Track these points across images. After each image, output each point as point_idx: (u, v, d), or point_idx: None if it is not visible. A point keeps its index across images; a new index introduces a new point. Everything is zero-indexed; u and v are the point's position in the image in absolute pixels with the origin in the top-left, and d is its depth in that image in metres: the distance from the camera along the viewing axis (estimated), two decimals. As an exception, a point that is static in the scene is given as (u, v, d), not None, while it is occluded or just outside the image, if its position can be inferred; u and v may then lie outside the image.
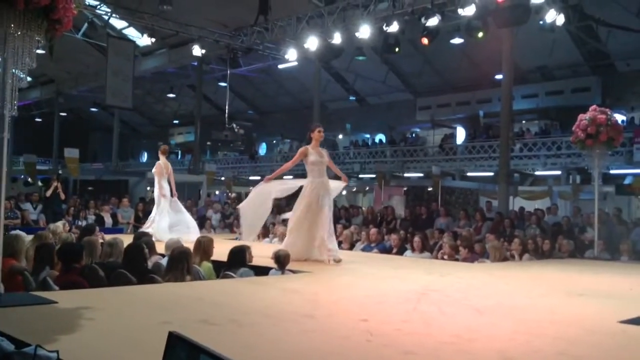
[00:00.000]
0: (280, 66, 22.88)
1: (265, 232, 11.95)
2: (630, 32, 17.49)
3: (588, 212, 12.15)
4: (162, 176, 10.82)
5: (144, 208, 14.39)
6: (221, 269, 6.38)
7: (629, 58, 20.50)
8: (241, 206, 8.67)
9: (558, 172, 20.43)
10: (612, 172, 18.45)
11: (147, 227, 10.47)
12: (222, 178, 24.57)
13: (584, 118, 9.84)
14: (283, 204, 18.76)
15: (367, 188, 26.53)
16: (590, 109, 10.01)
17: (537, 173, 21.61)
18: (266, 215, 8.91)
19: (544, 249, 9.70)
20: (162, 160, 11.00)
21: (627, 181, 18.16)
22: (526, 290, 6.03)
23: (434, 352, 3.34)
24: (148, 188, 24.12)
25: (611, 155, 13.98)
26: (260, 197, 8.36)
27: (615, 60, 21.07)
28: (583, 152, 10.49)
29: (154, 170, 11.00)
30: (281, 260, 6.50)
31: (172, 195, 10.88)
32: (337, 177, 8.48)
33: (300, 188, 8.15)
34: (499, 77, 18.15)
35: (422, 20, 12.89)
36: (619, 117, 17.35)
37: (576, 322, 4.34)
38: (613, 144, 10.04)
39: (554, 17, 12.17)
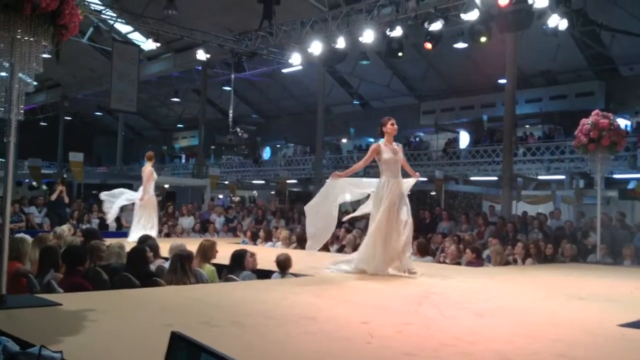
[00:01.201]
0: (285, 70, 22.92)
1: (268, 236, 11.97)
2: (633, 36, 17.48)
3: (591, 216, 12.14)
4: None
5: (149, 212, 14.42)
6: (224, 272, 6.44)
7: (633, 63, 20.47)
8: (306, 208, 7.49)
9: (562, 177, 20.42)
10: (615, 176, 18.43)
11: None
12: (226, 182, 24.64)
13: (586, 122, 9.85)
14: (286, 209, 18.72)
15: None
16: (592, 113, 10.03)
17: (540, 177, 21.59)
18: (333, 225, 7.51)
19: (546, 254, 9.71)
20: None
21: (630, 186, 18.12)
22: (527, 293, 6.05)
23: (433, 353, 3.37)
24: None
25: (614, 160, 13.95)
26: (326, 200, 7.23)
27: (619, 64, 21.05)
28: (586, 156, 10.48)
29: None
30: (283, 264, 6.54)
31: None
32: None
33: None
34: (502, 81, 18.17)
35: (426, 24, 12.93)
36: (623, 122, 17.37)
37: (576, 325, 4.37)
38: (616, 148, 10.04)
39: (557, 21, 12.17)
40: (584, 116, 10.21)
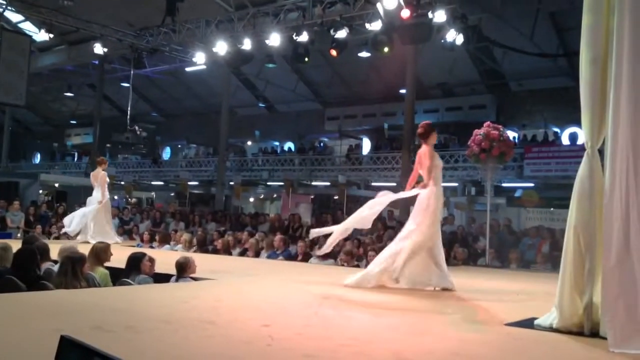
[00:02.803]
0: (188, 69, 22.39)
1: (165, 239, 11.62)
2: (523, 54, 18.72)
3: (481, 222, 12.81)
4: None
5: (36, 212, 13.61)
6: (120, 276, 6.17)
7: (522, 79, 21.89)
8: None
9: (455, 184, 21.42)
10: (504, 185, 19.63)
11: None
12: (122, 182, 23.66)
13: (478, 133, 10.41)
14: (186, 211, 18.23)
15: (275, 195, 26.57)
16: (484, 125, 10.61)
17: (436, 184, 22.49)
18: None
19: (440, 257, 10.11)
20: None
21: (517, 194, 19.36)
22: (421, 294, 6.28)
23: (332, 354, 3.41)
24: (40, 191, 22.80)
25: (503, 170, 14.86)
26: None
27: (509, 80, 22.45)
28: (478, 165, 11.06)
29: None
30: (183, 267, 6.37)
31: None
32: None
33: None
34: (403, 91, 18.80)
35: (331, 32, 13.15)
36: (512, 134, 18.50)
37: (467, 324, 4.59)
38: (504, 158, 10.68)
39: (454, 36, 12.77)
40: (477, 127, 10.77)
